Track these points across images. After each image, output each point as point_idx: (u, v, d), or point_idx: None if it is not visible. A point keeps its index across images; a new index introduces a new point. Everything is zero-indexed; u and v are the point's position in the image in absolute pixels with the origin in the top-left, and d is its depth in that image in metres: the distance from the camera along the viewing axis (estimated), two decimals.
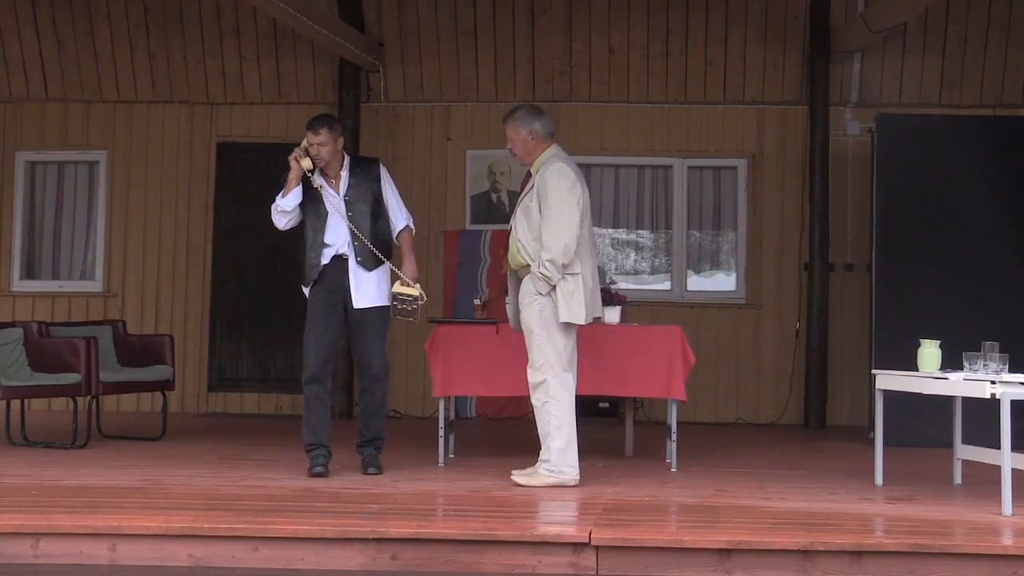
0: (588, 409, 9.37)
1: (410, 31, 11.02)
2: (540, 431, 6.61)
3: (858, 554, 5.11)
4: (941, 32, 10.66)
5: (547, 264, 6.43)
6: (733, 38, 10.85)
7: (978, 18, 10.63)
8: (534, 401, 6.62)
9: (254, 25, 11.12)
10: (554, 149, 6.72)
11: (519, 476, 6.64)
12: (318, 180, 7.01)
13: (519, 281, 6.73)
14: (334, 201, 7.03)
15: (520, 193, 6.85)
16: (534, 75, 11.05)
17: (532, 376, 6.59)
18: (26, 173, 11.56)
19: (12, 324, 8.62)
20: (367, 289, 7.04)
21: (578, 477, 6.57)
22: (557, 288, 6.47)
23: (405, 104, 11.25)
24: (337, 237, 7.01)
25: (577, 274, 6.51)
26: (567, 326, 6.54)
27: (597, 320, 6.97)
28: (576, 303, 6.49)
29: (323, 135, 6.98)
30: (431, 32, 11.01)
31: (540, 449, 6.61)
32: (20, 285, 11.46)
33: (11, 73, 11.40)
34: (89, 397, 8.41)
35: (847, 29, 10.38)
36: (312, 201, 7.02)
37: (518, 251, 6.62)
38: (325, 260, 7.00)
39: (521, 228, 6.61)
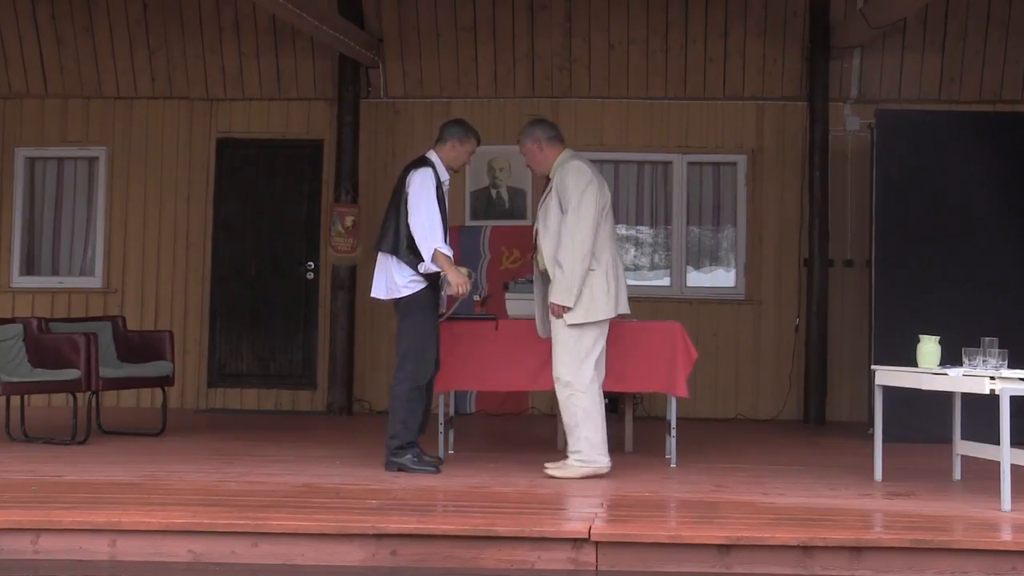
0: None
1: (410, 27, 11.01)
2: (566, 423, 6.65)
3: (857, 550, 5.12)
4: (940, 27, 10.65)
5: (562, 269, 6.43)
6: (733, 34, 10.84)
7: (977, 13, 10.62)
8: (559, 395, 6.66)
9: (253, 21, 11.11)
10: (568, 153, 6.80)
11: (552, 468, 6.68)
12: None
13: (545, 284, 6.75)
14: None
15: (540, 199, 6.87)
16: (533, 71, 11.04)
17: (557, 372, 6.64)
18: (26, 169, 11.54)
19: (12, 320, 8.63)
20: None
21: (610, 465, 6.64)
22: (585, 290, 6.50)
23: (405, 100, 11.23)
24: None
25: (595, 270, 6.55)
26: (593, 325, 6.57)
27: (621, 316, 6.96)
28: (599, 302, 6.54)
29: None
30: (430, 28, 11.00)
31: (550, 444, 6.61)
32: (20, 281, 11.45)
33: (10, 69, 11.39)
34: (89, 393, 8.42)
35: (846, 25, 10.37)
36: (441, 204, 6.94)
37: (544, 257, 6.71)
38: None
39: (543, 231, 6.67)
